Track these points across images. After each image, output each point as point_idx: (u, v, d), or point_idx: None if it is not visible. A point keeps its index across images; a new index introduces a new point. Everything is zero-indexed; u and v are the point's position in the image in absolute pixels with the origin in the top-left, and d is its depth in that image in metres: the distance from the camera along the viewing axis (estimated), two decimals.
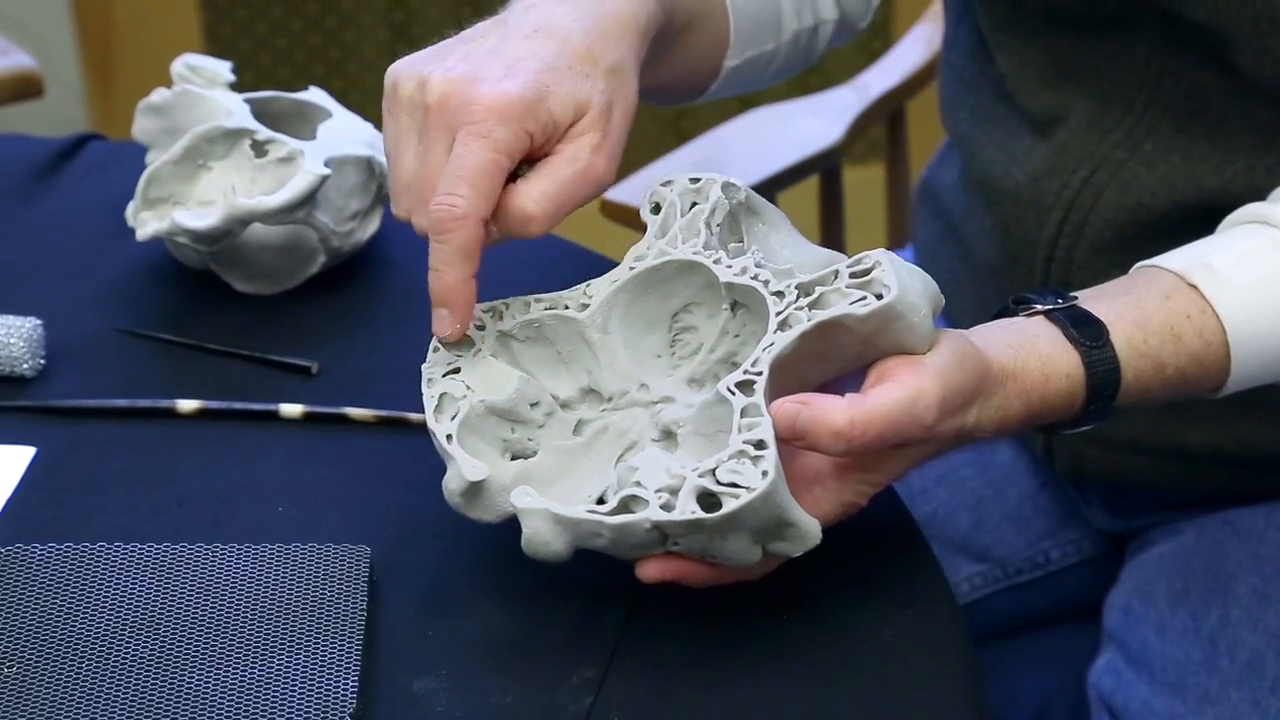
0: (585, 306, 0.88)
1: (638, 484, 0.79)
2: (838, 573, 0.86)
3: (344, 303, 1.08)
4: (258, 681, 0.79)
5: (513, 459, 0.86)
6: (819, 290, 0.82)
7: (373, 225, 1.09)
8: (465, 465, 0.83)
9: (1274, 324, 0.92)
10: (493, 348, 0.88)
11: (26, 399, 0.99)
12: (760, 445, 0.78)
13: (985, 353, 0.84)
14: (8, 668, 0.79)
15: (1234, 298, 0.91)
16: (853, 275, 0.82)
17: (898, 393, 0.80)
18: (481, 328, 0.88)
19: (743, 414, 0.79)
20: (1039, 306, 0.89)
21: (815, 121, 1.55)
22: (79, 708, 0.77)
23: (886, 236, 1.69)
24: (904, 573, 0.88)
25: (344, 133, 1.08)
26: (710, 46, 1.06)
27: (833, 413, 0.79)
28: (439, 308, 0.86)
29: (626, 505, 0.78)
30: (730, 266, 0.85)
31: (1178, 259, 0.93)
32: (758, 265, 0.85)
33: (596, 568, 0.85)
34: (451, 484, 0.83)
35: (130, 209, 1.05)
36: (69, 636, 0.81)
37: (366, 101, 2.46)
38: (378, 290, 1.09)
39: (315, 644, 0.81)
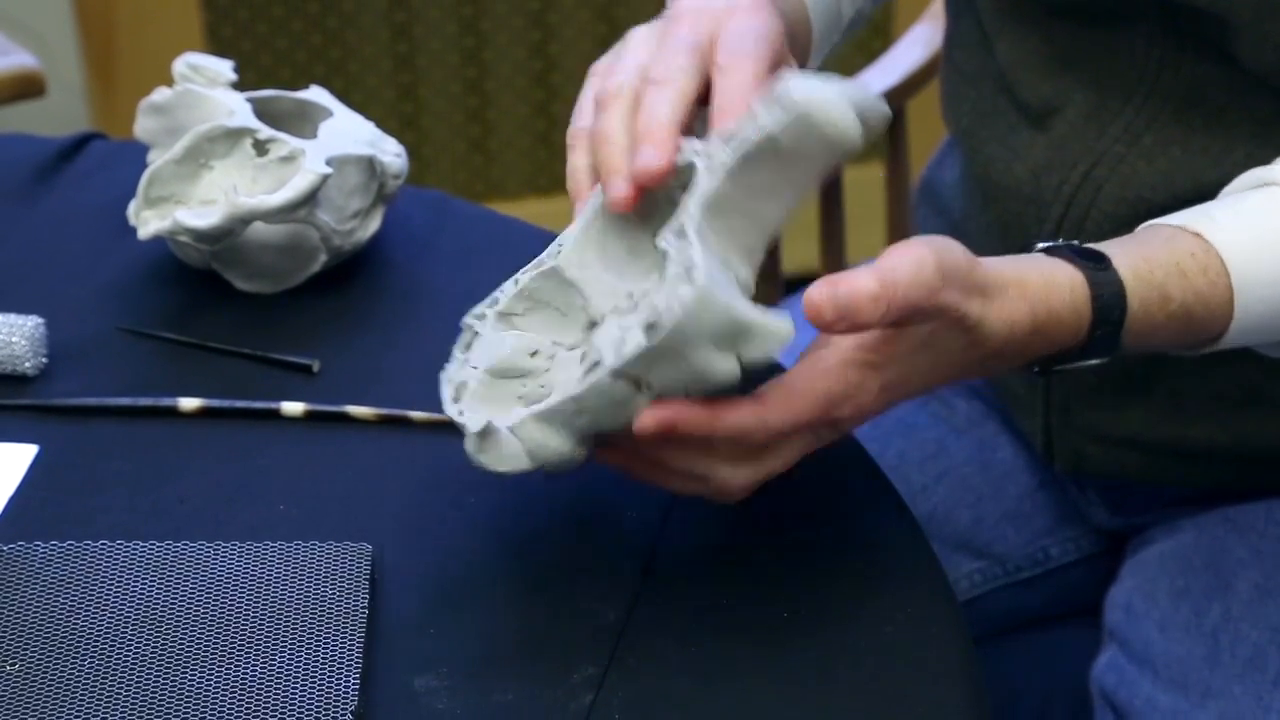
0: (558, 254, 0.89)
1: (598, 351, 0.80)
2: (837, 570, 0.87)
3: (345, 302, 1.08)
4: (259, 679, 0.79)
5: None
6: (738, 129, 0.82)
7: (374, 224, 1.09)
8: (468, 423, 0.84)
9: (1276, 273, 0.92)
10: (497, 328, 0.89)
11: (29, 398, 0.99)
12: (691, 269, 0.78)
13: (980, 259, 0.84)
14: (10, 666, 0.80)
15: (1236, 243, 0.92)
16: (767, 104, 0.82)
17: (901, 256, 0.80)
18: (482, 317, 0.89)
19: (677, 253, 0.80)
20: (1040, 246, 0.90)
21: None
22: (81, 706, 0.78)
23: (886, 235, 1.69)
24: (904, 570, 0.88)
25: (345, 132, 1.08)
26: (800, 57, 1.06)
27: (862, 279, 0.79)
28: (648, 143, 0.86)
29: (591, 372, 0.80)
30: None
31: (1178, 215, 0.94)
32: (692, 147, 0.85)
33: (597, 565, 0.86)
34: (467, 446, 0.84)
35: (132, 208, 1.05)
36: (71, 635, 0.81)
37: (368, 101, 2.46)
38: (379, 289, 1.09)
39: (316, 642, 0.81)
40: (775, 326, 0.79)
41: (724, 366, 0.78)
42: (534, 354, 0.88)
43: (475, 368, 0.87)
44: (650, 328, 0.77)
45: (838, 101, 0.80)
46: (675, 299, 0.76)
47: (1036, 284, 0.86)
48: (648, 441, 0.80)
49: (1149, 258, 0.90)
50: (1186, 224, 0.93)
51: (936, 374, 0.85)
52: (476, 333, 0.89)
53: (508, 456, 0.83)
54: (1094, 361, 0.90)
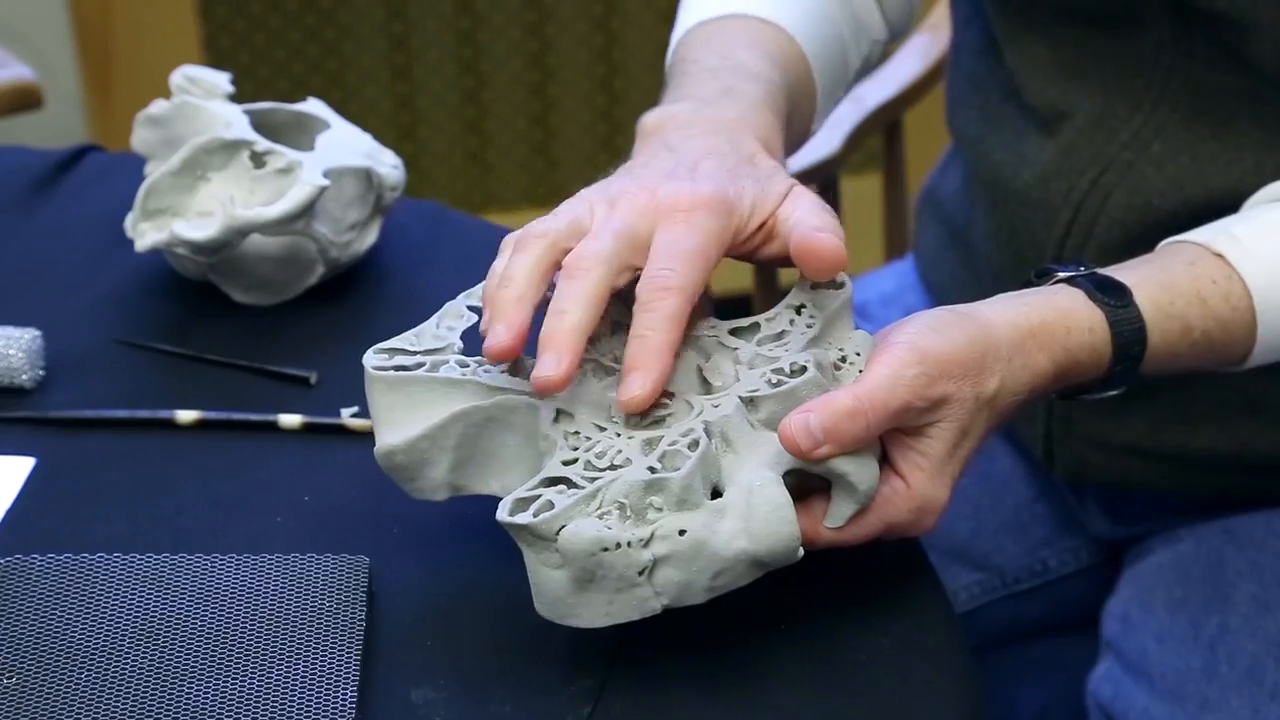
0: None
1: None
2: (836, 582, 0.86)
3: (342, 313, 1.08)
4: (257, 691, 0.79)
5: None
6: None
7: (371, 236, 1.09)
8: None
9: None
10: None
11: (26, 410, 0.99)
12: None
13: (989, 318, 0.85)
14: (7, 678, 0.79)
15: (1260, 265, 0.92)
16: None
17: (879, 366, 0.81)
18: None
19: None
20: (1060, 274, 0.90)
21: None
22: (79, 718, 0.77)
23: (884, 247, 1.70)
24: (902, 582, 0.88)
25: (342, 144, 1.08)
26: (806, 119, 1.06)
27: (837, 399, 0.79)
28: (637, 371, 0.81)
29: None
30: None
31: (1201, 233, 0.94)
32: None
33: None
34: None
35: (129, 220, 1.05)
36: (68, 647, 0.81)
37: (365, 113, 2.46)
38: (376, 301, 1.09)
39: (314, 654, 0.81)
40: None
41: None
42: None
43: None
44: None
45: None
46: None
47: (1056, 329, 0.86)
48: None
49: (1169, 286, 0.90)
50: (1210, 244, 0.92)
51: (979, 444, 0.86)
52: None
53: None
54: (1113, 392, 0.90)
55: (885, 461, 0.83)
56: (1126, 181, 1.06)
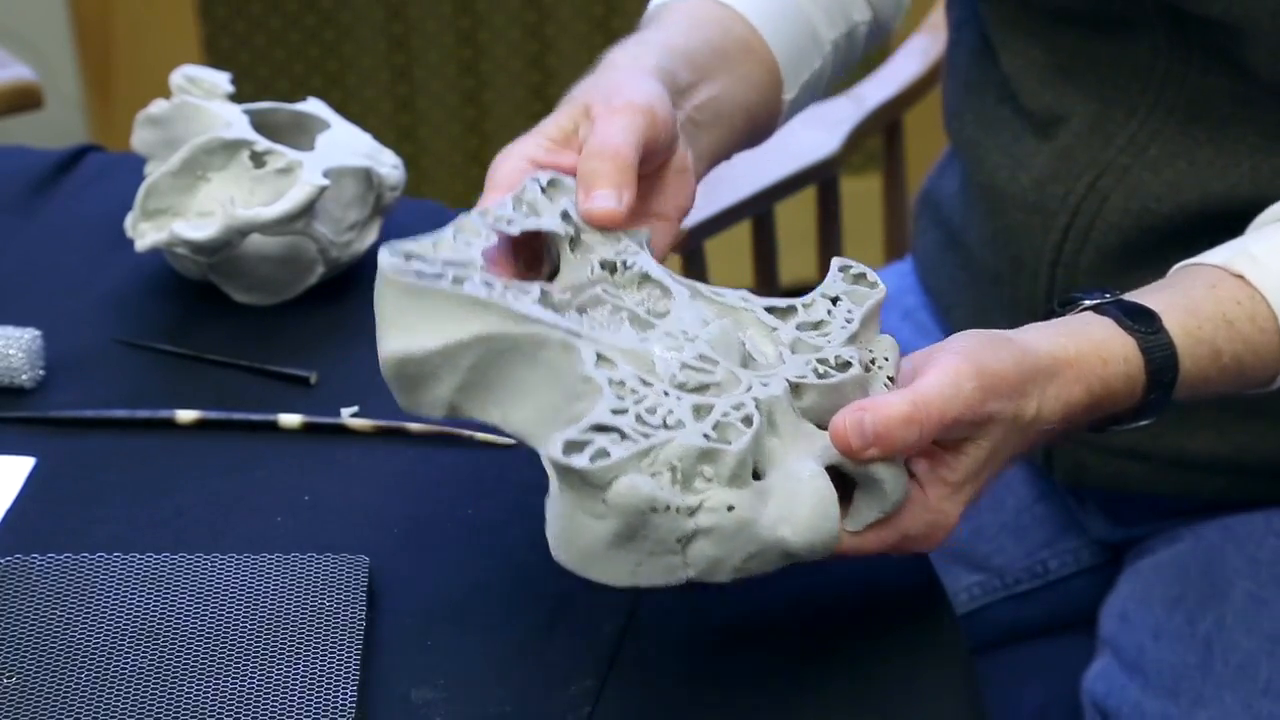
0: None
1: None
2: (836, 584, 0.86)
3: (342, 313, 1.08)
4: (257, 691, 0.79)
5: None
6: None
7: (371, 236, 1.09)
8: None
9: None
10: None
11: (26, 410, 0.99)
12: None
13: (1029, 343, 0.84)
14: (7, 678, 0.79)
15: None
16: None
17: (937, 374, 0.80)
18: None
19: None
20: (1087, 302, 0.89)
21: (812, 133, 1.55)
22: (79, 718, 0.77)
23: (884, 247, 1.70)
24: (903, 583, 0.88)
25: (342, 144, 1.08)
26: (765, 90, 1.05)
27: (893, 403, 0.78)
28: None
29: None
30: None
31: (1216, 254, 0.93)
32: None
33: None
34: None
35: (129, 220, 1.05)
36: (68, 647, 0.81)
37: (365, 113, 2.46)
38: None
39: (314, 654, 0.81)
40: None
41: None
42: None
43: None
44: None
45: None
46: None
47: (1092, 361, 0.85)
48: None
49: (1195, 311, 0.90)
50: (1228, 265, 0.92)
51: (1001, 469, 0.85)
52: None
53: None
54: (1145, 422, 0.89)
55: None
56: (1123, 186, 1.06)
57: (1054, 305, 0.91)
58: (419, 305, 0.80)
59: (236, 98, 1.09)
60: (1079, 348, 0.85)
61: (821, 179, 1.55)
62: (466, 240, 0.83)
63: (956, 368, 0.80)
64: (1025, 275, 1.11)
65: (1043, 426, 0.84)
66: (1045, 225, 1.09)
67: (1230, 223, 1.00)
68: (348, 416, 0.98)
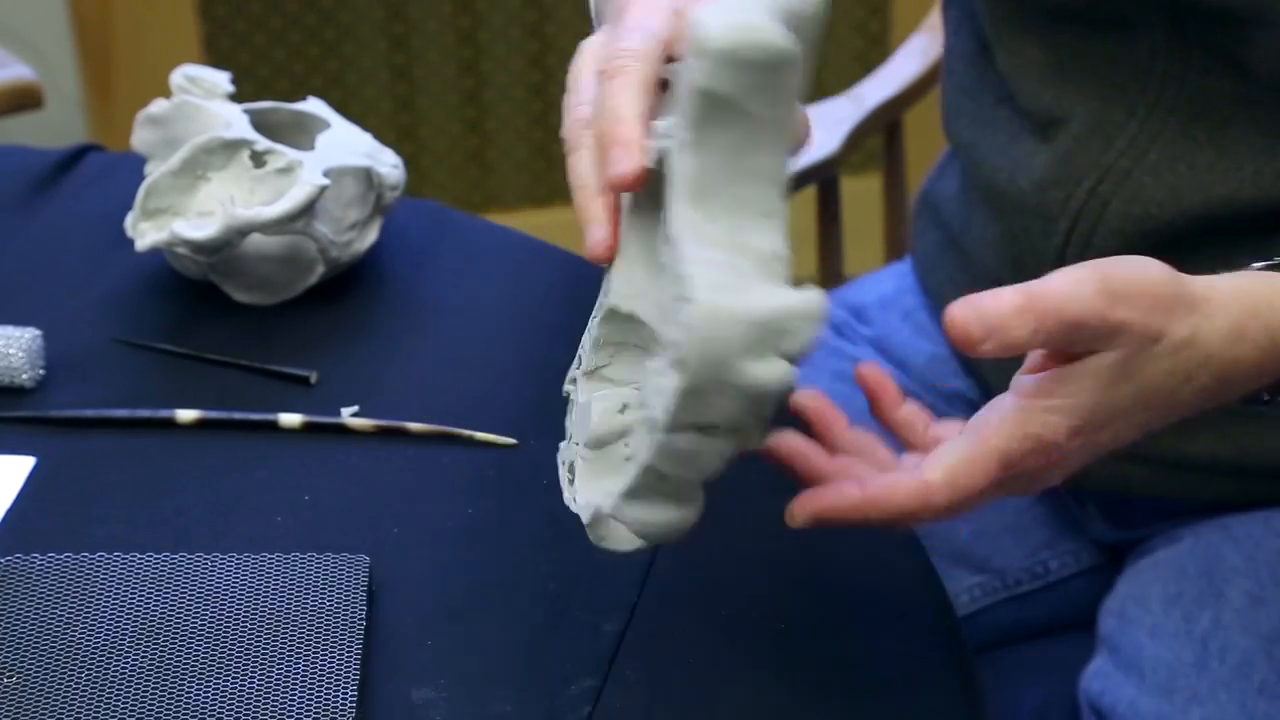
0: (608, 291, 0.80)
1: (649, 405, 0.72)
2: (836, 583, 0.86)
3: (343, 313, 1.08)
4: (257, 691, 0.79)
5: None
6: (678, 94, 0.74)
7: (371, 235, 1.09)
8: (582, 512, 0.76)
9: None
10: (589, 390, 0.80)
11: (26, 410, 0.99)
12: (684, 282, 0.70)
13: (1189, 277, 0.76)
14: (7, 678, 0.79)
15: None
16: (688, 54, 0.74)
17: (1054, 275, 0.75)
18: (574, 381, 0.82)
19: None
20: (1256, 265, 0.83)
21: (812, 132, 1.55)
22: (78, 718, 0.77)
23: (884, 247, 1.70)
24: (903, 584, 0.88)
25: (342, 143, 1.08)
26: None
27: (1006, 293, 0.73)
28: (615, 146, 0.76)
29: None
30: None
31: None
32: (663, 133, 0.75)
33: (596, 577, 0.85)
34: (589, 535, 0.77)
35: (129, 220, 1.05)
36: (68, 647, 0.81)
37: (365, 112, 2.46)
38: (376, 300, 1.09)
39: (314, 654, 0.81)
40: (805, 306, 0.70)
41: (773, 373, 0.69)
42: (624, 409, 0.78)
43: (578, 444, 0.79)
44: (674, 368, 0.69)
45: (756, 22, 0.71)
46: (681, 326, 0.68)
47: (1264, 291, 0.78)
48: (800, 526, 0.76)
49: None
50: None
51: (1150, 410, 0.77)
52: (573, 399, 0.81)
53: (624, 537, 0.76)
54: None
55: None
56: (1124, 190, 1.05)
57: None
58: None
59: (236, 97, 1.09)
60: (1252, 283, 0.78)
61: (821, 179, 1.56)
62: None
63: (1078, 274, 0.74)
64: (1026, 278, 1.10)
65: (1202, 362, 0.76)
66: (1046, 230, 1.09)
67: (1233, 227, 1.00)
68: (348, 416, 0.98)
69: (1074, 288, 0.74)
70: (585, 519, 0.76)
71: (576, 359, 0.81)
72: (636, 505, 0.73)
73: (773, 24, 0.71)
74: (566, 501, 0.78)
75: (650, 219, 0.78)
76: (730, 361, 0.68)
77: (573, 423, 0.80)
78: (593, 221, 0.78)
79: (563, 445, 0.81)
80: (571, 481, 0.79)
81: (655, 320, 0.78)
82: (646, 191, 0.77)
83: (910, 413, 0.84)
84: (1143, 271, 0.76)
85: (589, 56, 0.83)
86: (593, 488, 0.77)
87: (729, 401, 0.69)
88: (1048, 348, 0.75)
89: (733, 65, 0.71)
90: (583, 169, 0.79)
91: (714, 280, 0.69)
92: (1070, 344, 0.76)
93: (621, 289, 0.79)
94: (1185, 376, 0.77)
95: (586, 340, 0.81)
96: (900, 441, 0.84)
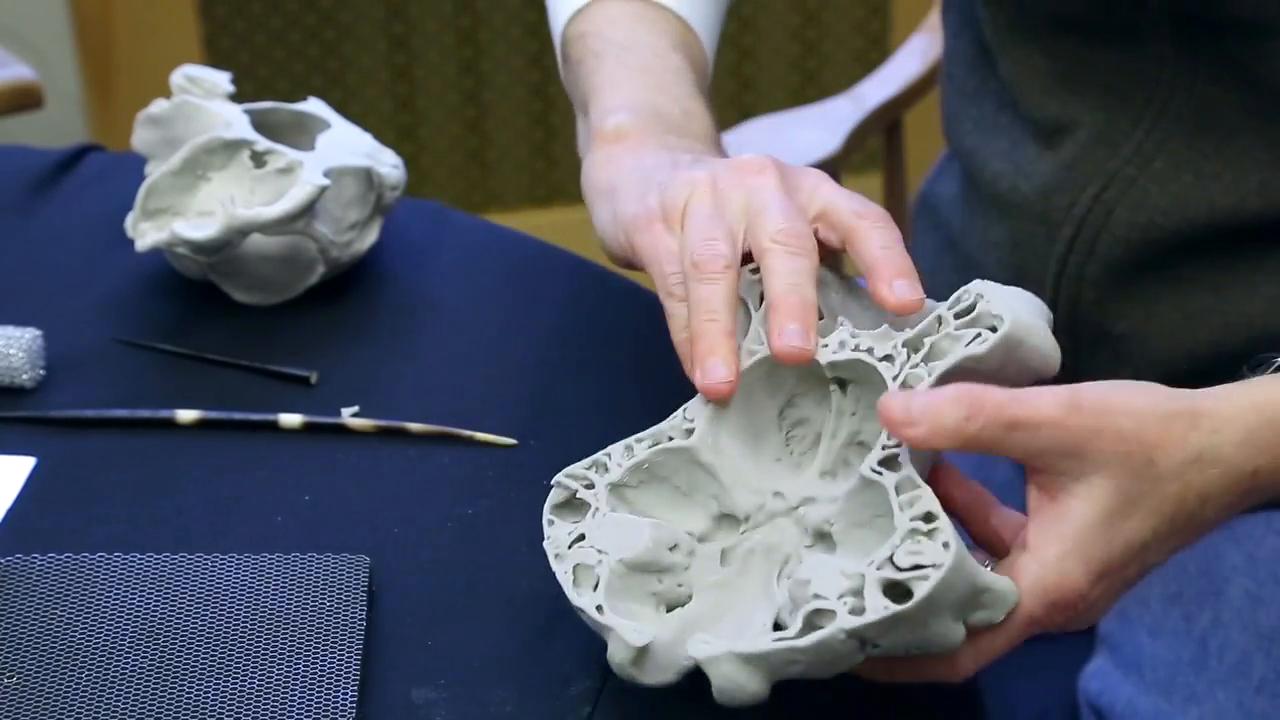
0: (690, 432, 0.81)
1: (816, 596, 0.72)
2: None
3: (343, 313, 1.08)
4: (257, 691, 0.79)
5: (668, 610, 0.79)
6: (928, 341, 0.78)
7: (371, 236, 1.09)
8: (627, 632, 0.75)
9: None
10: (610, 503, 0.81)
11: (26, 410, 0.99)
12: (929, 518, 0.72)
13: (1182, 392, 0.75)
14: (7, 678, 0.79)
15: None
16: (957, 315, 0.79)
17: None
18: (591, 486, 0.82)
19: (898, 491, 0.74)
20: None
21: (813, 132, 1.55)
22: (79, 718, 0.77)
23: None
24: None
25: (343, 144, 1.08)
26: (703, 73, 1.06)
27: (940, 389, 0.73)
28: (711, 357, 0.80)
29: (812, 622, 0.72)
30: (826, 345, 0.80)
31: None
32: (852, 335, 0.81)
33: None
34: (618, 655, 0.76)
35: (129, 220, 1.05)
36: (68, 647, 0.81)
37: (365, 112, 2.46)
38: (377, 301, 1.09)
39: (314, 654, 0.81)
40: (1004, 588, 0.73)
41: (956, 633, 0.73)
42: (673, 548, 0.79)
43: (603, 553, 0.78)
44: (896, 592, 0.71)
45: (1041, 327, 0.77)
46: (926, 562, 0.71)
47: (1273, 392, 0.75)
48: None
49: None
50: None
51: (1176, 535, 0.75)
52: (578, 497, 0.82)
53: (662, 669, 0.76)
54: None
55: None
56: (1129, 198, 1.05)
57: (1244, 370, 0.83)
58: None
59: (237, 97, 1.09)
60: (1266, 390, 0.75)
61: None
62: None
63: (1054, 387, 0.73)
64: (1030, 284, 1.10)
65: (1224, 475, 0.73)
66: (1049, 236, 1.08)
67: (1238, 237, 1.00)
68: (348, 416, 0.98)
69: (1032, 395, 0.72)
70: (634, 641, 0.75)
71: (592, 461, 0.82)
72: (744, 669, 0.73)
73: (1053, 341, 0.78)
74: (578, 601, 0.78)
75: (756, 398, 0.82)
76: (942, 611, 0.71)
77: (581, 523, 0.81)
78: (717, 358, 0.80)
79: (553, 534, 0.81)
80: (577, 584, 0.78)
81: (733, 484, 0.81)
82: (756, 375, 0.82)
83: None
84: (1125, 391, 0.74)
85: (697, 205, 0.85)
86: (616, 606, 0.77)
87: (909, 636, 0.72)
88: (989, 448, 0.73)
89: (1009, 349, 0.76)
90: (717, 302, 0.81)
91: (957, 534, 0.72)
92: (1025, 452, 0.73)
93: (706, 440, 0.81)
94: (1201, 496, 0.75)
95: (617, 450, 0.82)
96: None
